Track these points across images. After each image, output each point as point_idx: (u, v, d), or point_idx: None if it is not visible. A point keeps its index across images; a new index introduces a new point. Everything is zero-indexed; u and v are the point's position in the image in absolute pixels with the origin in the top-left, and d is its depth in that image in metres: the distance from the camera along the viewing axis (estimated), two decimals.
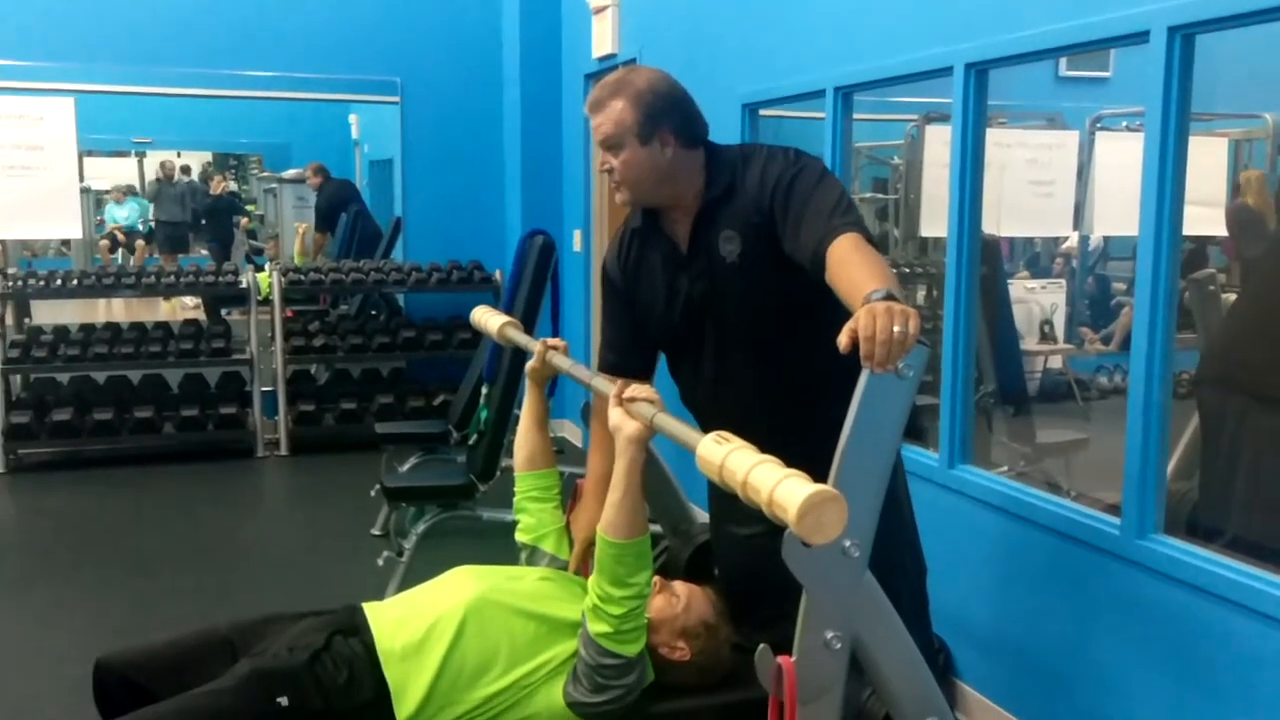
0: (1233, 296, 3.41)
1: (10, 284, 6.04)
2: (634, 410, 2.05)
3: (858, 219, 2.04)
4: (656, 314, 2.36)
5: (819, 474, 1.61)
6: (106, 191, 9.65)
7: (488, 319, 2.85)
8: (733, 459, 1.61)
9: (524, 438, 2.60)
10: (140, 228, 9.76)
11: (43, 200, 6.08)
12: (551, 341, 2.52)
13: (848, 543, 1.69)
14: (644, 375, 2.39)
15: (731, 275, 2.23)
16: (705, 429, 1.77)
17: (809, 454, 1.69)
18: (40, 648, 3.61)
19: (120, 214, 9.75)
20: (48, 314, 6.76)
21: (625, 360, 2.41)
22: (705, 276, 2.26)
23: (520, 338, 2.73)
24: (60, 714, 3.12)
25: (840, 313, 1.73)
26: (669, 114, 2.19)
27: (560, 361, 2.47)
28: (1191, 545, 2.37)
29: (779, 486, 1.49)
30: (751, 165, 2.23)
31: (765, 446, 1.63)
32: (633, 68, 2.29)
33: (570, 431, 6.26)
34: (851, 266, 1.84)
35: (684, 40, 4.68)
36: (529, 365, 2.53)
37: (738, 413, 2.06)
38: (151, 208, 9.67)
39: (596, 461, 2.46)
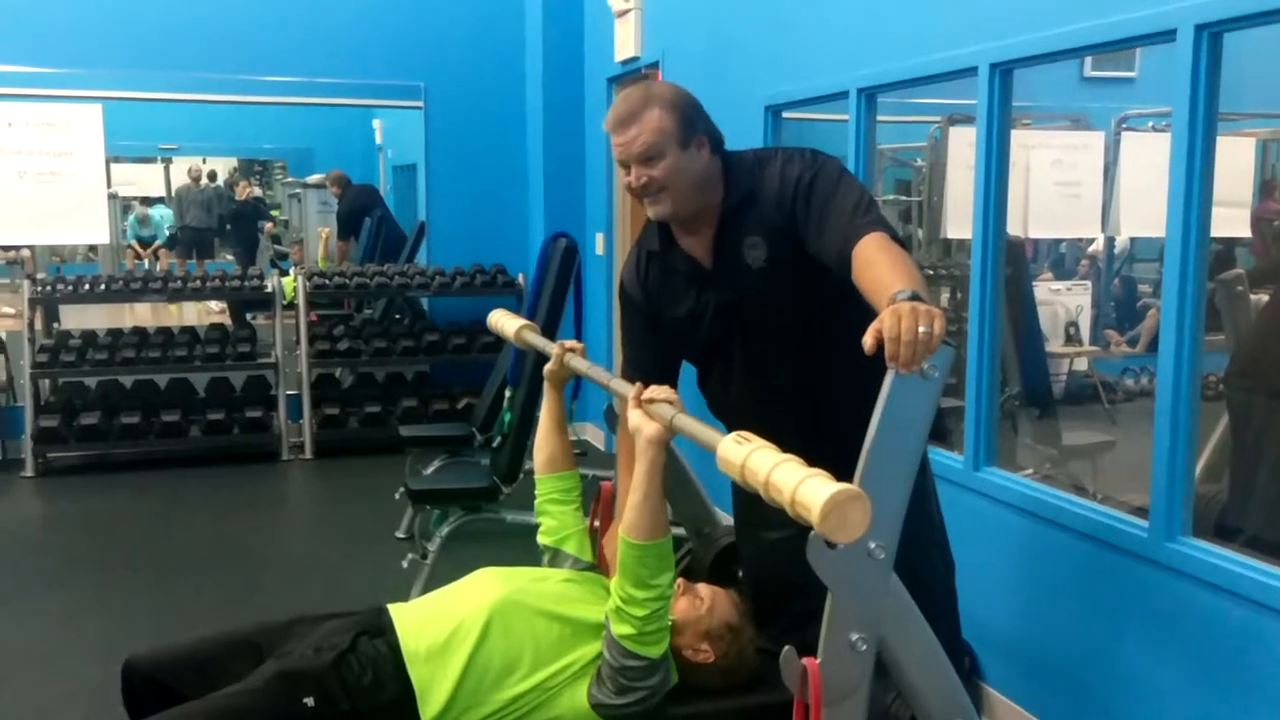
0: (1262, 298, 3.38)
1: (39, 289, 6.10)
2: (653, 411, 2.04)
3: (880, 217, 2.03)
4: (684, 332, 2.35)
5: (848, 473, 1.61)
6: (134, 199, 9.75)
7: (505, 322, 2.85)
8: (754, 459, 1.60)
9: (543, 440, 2.60)
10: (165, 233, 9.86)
11: (71, 206, 6.14)
12: (569, 344, 2.51)
13: (873, 544, 1.69)
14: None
15: (758, 281, 2.22)
16: None
17: (840, 453, 1.68)
18: (69, 648, 3.64)
19: (145, 232, 9.85)
20: (75, 319, 6.83)
21: (649, 378, 2.35)
22: (732, 287, 2.25)
23: (537, 340, 2.73)
24: (89, 713, 3.14)
25: (868, 310, 1.72)
26: (700, 117, 2.20)
27: (578, 364, 2.47)
28: (1220, 548, 2.35)
29: (801, 486, 1.49)
30: (769, 168, 2.22)
31: (796, 447, 1.62)
32: (646, 83, 2.26)
33: (593, 434, 6.26)
34: (877, 267, 1.84)
35: (706, 42, 4.68)
36: (547, 368, 2.52)
37: (768, 416, 2.05)
38: (173, 216, 9.77)
39: (626, 480, 2.38)
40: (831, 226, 2.05)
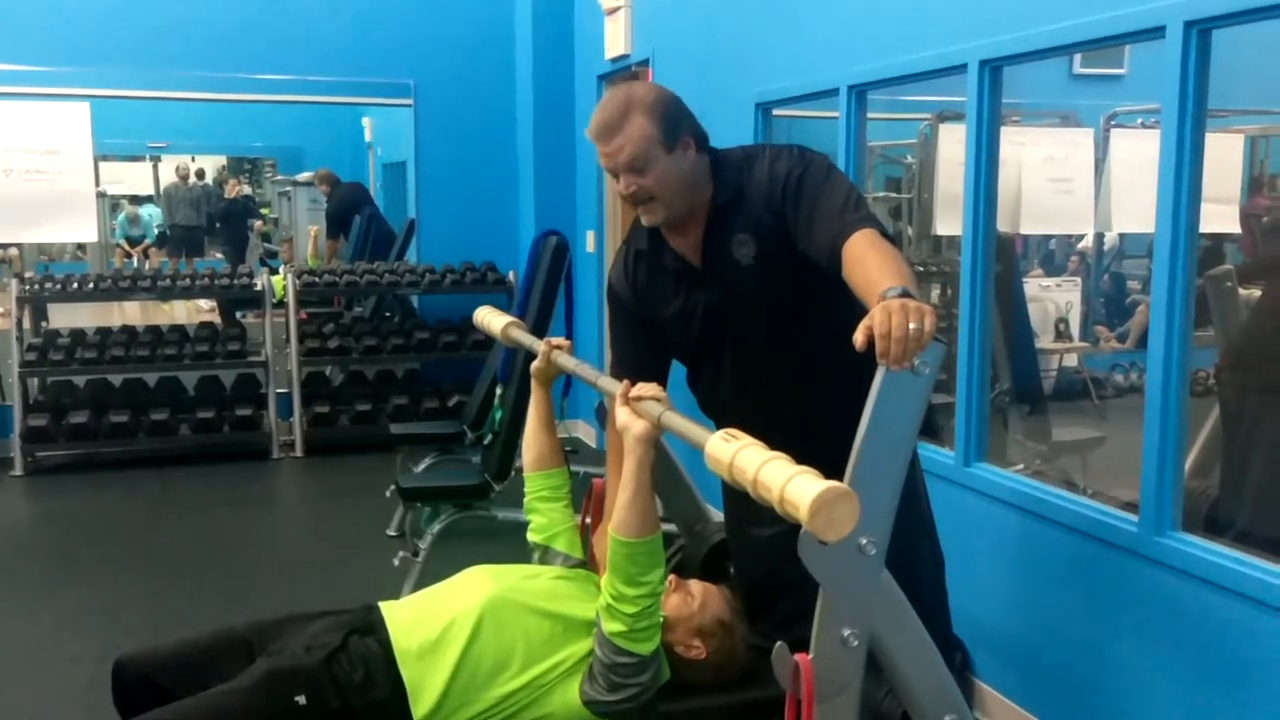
0: (1252, 293, 3.40)
1: (27, 287, 6.07)
2: (641, 409, 2.04)
3: (870, 213, 2.03)
4: (675, 331, 2.34)
5: (839, 471, 1.61)
6: (123, 197, 9.73)
7: (491, 319, 2.83)
8: (742, 456, 1.60)
9: (531, 438, 2.59)
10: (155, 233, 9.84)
11: (59, 204, 6.11)
12: (555, 341, 2.50)
13: (864, 540, 1.69)
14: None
15: (748, 278, 2.22)
16: None
17: (831, 451, 1.69)
18: (59, 648, 3.63)
19: (135, 231, 9.83)
20: (64, 317, 6.81)
21: (639, 376, 2.29)
22: (721, 284, 2.25)
23: (524, 338, 2.72)
24: (79, 713, 3.13)
25: (858, 307, 1.72)
26: (683, 116, 2.18)
27: (565, 361, 2.46)
28: (1210, 542, 2.36)
29: (790, 484, 1.48)
30: (757, 166, 2.21)
31: (787, 444, 1.62)
32: (624, 85, 2.23)
33: (585, 431, 6.26)
34: (868, 263, 1.84)
35: (697, 40, 4.68)
36: (534, 365, 2.51)
37: (758, 414, 2.05)
38: (162, 214, 9.75)
39: (616, 478, 2.36)
40: (821, 223, 2.05)
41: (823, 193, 2.09)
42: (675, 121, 2.15)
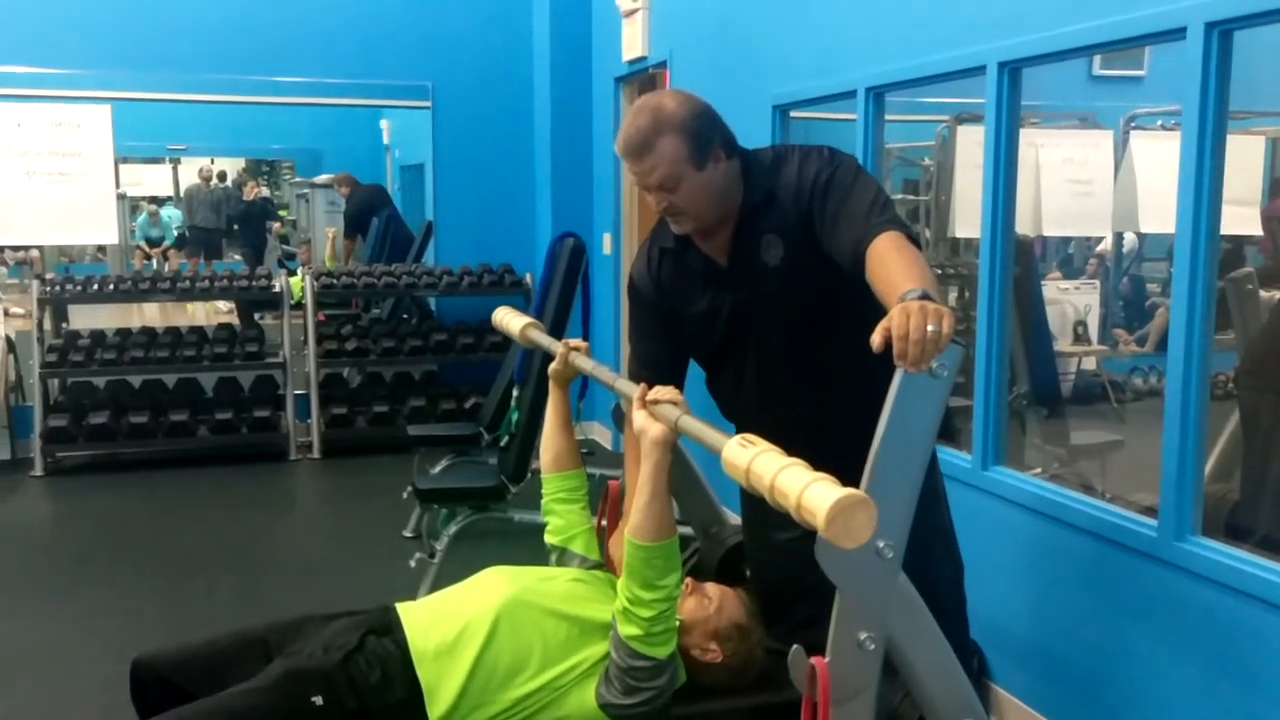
0: (1273, 295, 3.37)
1: (48, 289, 6.12)
2: (658, 413, 2.04)
3: (896, 216, 2.02)
4: (698, 330, 2.34)
5: (859, 474, 1.60)
6: (143, 199, 9.78)
7: (510, 320, 2.84)
8: (759, 462, 1.59)
9: (549, 440, 2.59)
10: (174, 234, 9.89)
11: (80, 206, 6.17)
12: (573, 342, 2.50)
13: (881, 544, 1.68)
14: (677, 388, 2.37)
15: (775, 280, 2.21)
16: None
17: (851, 454, 1.68)
18: (78, 648, 3.65)
19: (154, 232, 9.89)
20: (84, 319, 6.85)
21: (659, 375, 2.30)
22: (748, 285, 2.24)
23: (542, 339, 2.72)
24: (97, 713, 3.15)
25: (882, 310, 1.72)
26: (713, 131, 2.16)
27: (582, 363, 2.46)
28: (1230, 547, 2.34)
29: (807, 491, 1.48)
30: (787, 167, 2.20)
31: (809, 448, 1.62)
32: (654, 98, 2.20)
33: (600, 433, 6.26)
34: (890, 266, 1.83)
35: (714, 42, 4.68)
36: (551, 367, 2.51)
37: (782, 415, 2.04)
38: (181, 216, 9.81)
39: (634, 480, 2.37)
40: (846, 225, 2.04)
41: (850, 194, 2.08)
42: (706, 138, 2.14)
